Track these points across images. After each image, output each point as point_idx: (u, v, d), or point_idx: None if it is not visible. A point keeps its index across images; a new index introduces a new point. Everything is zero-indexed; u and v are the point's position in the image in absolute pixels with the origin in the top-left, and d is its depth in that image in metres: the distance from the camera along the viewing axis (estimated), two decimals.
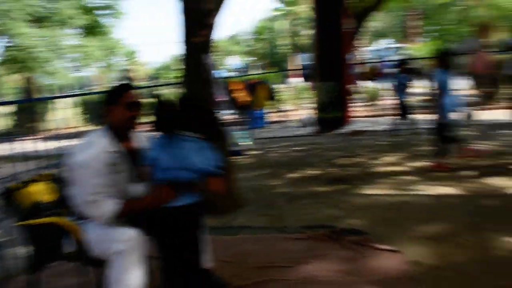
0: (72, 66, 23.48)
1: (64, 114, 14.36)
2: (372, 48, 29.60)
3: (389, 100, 13.93)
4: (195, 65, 4.82)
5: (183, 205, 2.63)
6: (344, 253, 3.60)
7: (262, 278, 3.28)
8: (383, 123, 10.29)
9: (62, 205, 2.90)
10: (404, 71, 8.52)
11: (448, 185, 5.31)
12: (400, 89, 8.58)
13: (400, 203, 4.77)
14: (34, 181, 2.97)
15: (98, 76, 34.59)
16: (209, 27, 4.81)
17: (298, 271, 3.37)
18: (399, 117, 8.79)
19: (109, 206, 2.62)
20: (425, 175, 5.78)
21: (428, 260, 3.41)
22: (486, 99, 12.85)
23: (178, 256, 2.69)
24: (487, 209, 4.45)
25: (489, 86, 12.77)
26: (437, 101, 5.79)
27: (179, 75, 5.18)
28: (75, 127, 11.36)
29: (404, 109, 8.69)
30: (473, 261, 3.37)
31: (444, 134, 5.90)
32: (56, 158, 5.30)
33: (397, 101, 8.75)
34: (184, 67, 4.94)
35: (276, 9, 35.12)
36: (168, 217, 2.64)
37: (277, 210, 4.89)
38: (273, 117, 12.17)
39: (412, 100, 8.92)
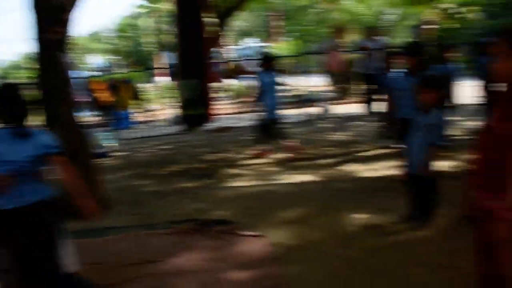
0: None
1: None
2: (237, 47, 30.43)
3: (254, 97, 14.53)
4: (50, 64, 4.52)
5: (16, 207, 2.50)
6: (211, 243, 3.73)
7: (132, 275, 3.26)
8: (249, 119, 10.72)
9: None
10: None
11: (307, 173, 5.76)
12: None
13: (263, 192, 5.06)
14: None
15: None
16: (63, 23, 4.54)
17: (167, 265, 3.41)
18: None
19: None
20: (286, 165, 6.19)
21: (289, 241, 3.70)
22: (341, 95, 14.13)
23: (31, 263, 2.54)
24: (340, 192, 4.93)
25: (344, 83, 14.07)
26: (260, 100, 6.29)
27: (32, 74, 4.83)
28: None
29: None
30: (328, 238, 3.74)
31: (267, 130, 6.44)
32: None
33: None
34: (38, 66, 4.60)
35: (140, 6, 34.17)
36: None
37: (145, 208, 4.85)
38: (140, 117, 11.88)
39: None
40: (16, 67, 49.22)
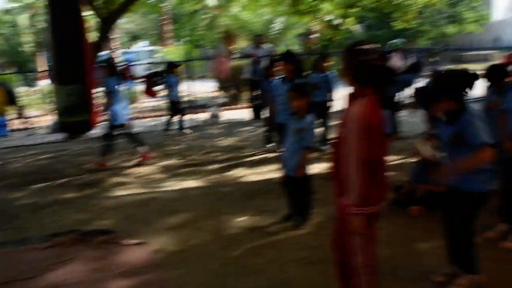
0: None
1: None
2: (127, 50, 29.53)
3: (145, 103, 14.28)
4: None
5: None
6: (92, 254, 3.67)
7: None
8: (139, 125, 10.51)
9: None
10: (172, 72, 8.97)
11: (193, 179, 5.85)
12: (172, 90, 8.99)
13: (147, 200, 5.05)
14: None
15: None
16: None
17: (44, 280, 3.29)
18: (170, 117, 9.20)
19: None
20: (173, 172, 6.21)
21: (171, 247, 3.77)
22: (231, 101, 14.44)
23: None
24: (224, 196, 5.11)
25: (232, 89, 14.40)
26: (108, 106, 6.35)
27: None
28: None
29: (176, 109, 9.14)
30: (210, 241, 3.88)
31: (110, 137, 6.49)
32: None
33: (170, 101, 9.14)
34: None
35: (13, 1, 31.17)
36: None
37: (19, 222, 4.57)
38: (17, 124, 11.00)
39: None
40: None
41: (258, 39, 10.11)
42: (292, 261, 3.42)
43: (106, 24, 9.87)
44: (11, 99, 9.31)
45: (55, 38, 5.59)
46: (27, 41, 27.40)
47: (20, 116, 11.13)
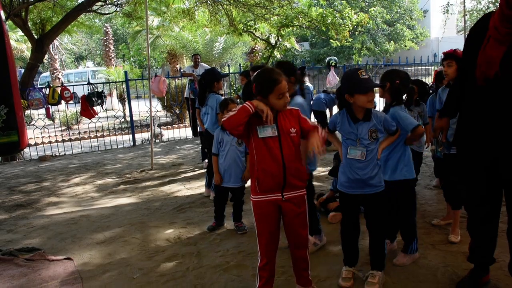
0: None
1: None
2: (70, 71, 29.14)
3: (87, 124, 14.19)
4: None
5: None
6: (17, 271, 3.76)
7: None
8: (79, 146, 10.52)
9: None
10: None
11: (128, 196, 6.02)
12: None
13: (79, 217, 5.17)
14: None
15: None
16: None
17: None
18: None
19: None
20: (108, 190, 6.35)
21: (96, 260, 3.93)
22: (176, 119, 14.64)
23: None
24: (155, 211, 5.30)
25: (175, 108, 14.61)
26: None
27: None
28: None
29: None
30: (135, 253, 4.06)
31: None
32: None
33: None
34: None
35: None
36: None
37: None
38: None
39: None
40: None
41: (195, 58, 10.41)
42: (210, 268, 3.65)
43: (41, 45, 9.90)
44: None
45: None
46: None
47: None
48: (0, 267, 3.85)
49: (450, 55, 3.88)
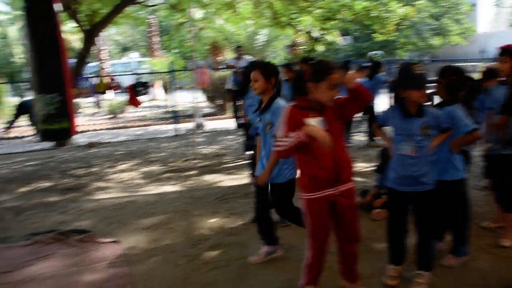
0: None
1: None
2: (116, 61, 29.89)
3: (132, 113, 14.60)
4: None
5: None
6: (68, 251, 3.94)
7: None
8: (125, 134, 10.82)
9: None
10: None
11: (172, 184, 6.15)
12: None
13: (126, 202, 5.34)
14: None
15: None
16: None
17: (20, 274, 3.55)
18: None
19: None
20: (153, 178, 6.50)
21: (142, 244, 4.05)
22: (217, 111, 14.78)
23: None
24: (199, 199, 5.39)
25: (219, 99, 14.74)
26: None
27: None
28: None
29: None
30: (180, 240, 4.15)
31: None
32: None
33: None
34: None
35: (2, 13, 31.54)
36: None
37: (3, 223, 4.84)
38: (6, 132, 11.33)
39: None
40: None
41: (238, 50, 10.46)
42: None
43: (90, 36, 10.23)
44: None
45: (34, 50, 5.89)
46: (17, 52, 27.67)
47: (9, 125, 11.42)
48: (55, 246, 4.04)
49: (506, 51, 3.73)
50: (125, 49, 45.48)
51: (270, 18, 13.21)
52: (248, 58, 10.93)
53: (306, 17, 12.89)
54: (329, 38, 16.59)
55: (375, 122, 3.27)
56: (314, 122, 2.62)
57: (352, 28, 23.65)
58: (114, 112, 14.48)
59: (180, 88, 11.76)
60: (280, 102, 3.34)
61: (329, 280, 3.15)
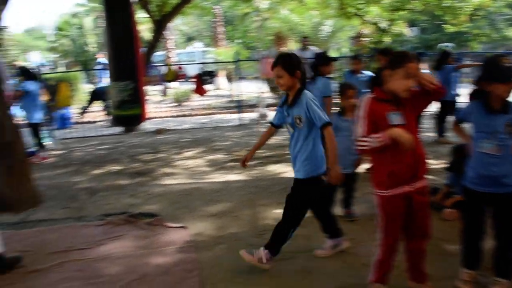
0: None
1: None
2: (181, 50, 30.58)
3: (197, 102, 14.90)
4: None
5: None
6: (138, 233, 4.09)
7: (59, 261, 3.56)
8: (189, 122, 11.09)
9: None
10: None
11: (236, 173, 6.21)
12: None
13: (192, 189, 5.46)
14: None
15: None
16: None
17: (95, 251, 3.75)
18: None
19: None
20: (218, 166, 6.61)
21: (208, 231, 4.13)
22: (278, 101, 14.75)
23: None
24: (262, 189, 5.40)
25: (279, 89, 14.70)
26: (25, 106, 7.12)
27: None
28: None
29: None
30: (245, 229, 4.19)
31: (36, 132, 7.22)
32: None
33: None
34: None
35: (79, 4, 33.30)
36: None
37: (78, 203, 5.13)
38: (80, 117, 11.97)
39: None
40: None
41: (304, 41, 10.34)
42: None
43: (160, 26, 10.52)
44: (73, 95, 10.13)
45: (111, 39, 6.15)
46: (91, 42, 29.12)
47: (83, 110, 12.06)
48: (126, 228, 4.22)
49: None
50: (189, 39, 46.48)
51: (336, 8, 12.94)
52: (314, 49, 10.80)
53: (374, 7, 12.51)
54: (396, 29, 16.08)
55: (454, 118, 3.10)
56: (393, 117, 2.55)
57: (420, 18, 22.69)
58: (179, 100, 14.85)
59: (244, 78, 11.81)
60: (308, 94, 3.18)
61: (397, 280, 3.05)
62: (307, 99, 3.12)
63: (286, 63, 3.14)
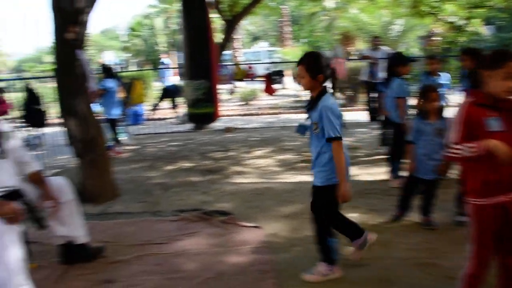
0: None
1: None
2: (247, 50, 30.90)
3: (263, 101, 14.95)
4: (69, 60, 4.83)
5: None
6: (212, 230, 4.10)
7: (139, 253, 3.64)
8: (257, 121, 11.11)
9: None
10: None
11: (307, 174, 6.08)
12: None
13: (264, 189, 5.41)
14: None
15: None
16: (82, 24, 4.84)
17: (171, 246, 3.79)
18: None
19: None
20: (288, 166, 6.53)
21: (283, 232, 4.06)
22: (348, 101, 14.46)
23: None
24: None
25: (349, 90, 14.40)
26: (104, 103, 7.36)
27: (49, 68, 5.17)
28: None
29: None
30: None
31: (113, 128, 7.52)
32: None
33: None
34: (56, 61, 4.93)
35: (151, 6, 34.71)
36: None
37: (152, 198, 5.25)
38: (152, 114, 12.39)
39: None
40: (33, 59, 50.08)
41: (375, 41, 10.02)
42: (398, 260, 3.48)
43: (230, 26, 10.62)
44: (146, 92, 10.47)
45: (187, 39, 6.26)
46: (161, 42, 30.12)
47: (154, 107, 12.47)
48: (200, 225, 4.24)
49: None
50: (255, 39, 46.89)
51: (408, 7, 12.46)
52: (385, 49, 10.45)
53: (449, 5, 11.92)
54: (472, 28, 15.23)
55: None
56: (492, 123, 2.35)
57: (498, 16, 21.40)
58: (246, 99, 14.96)
59: None
60: (328, 99, 2.98)
61: None
62: (323, 106, 2.95)
63: (310, 64, 2.98)
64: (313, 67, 2.95)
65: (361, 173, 6.06)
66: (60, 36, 4.74)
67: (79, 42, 4.88)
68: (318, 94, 3.00)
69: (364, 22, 19.69)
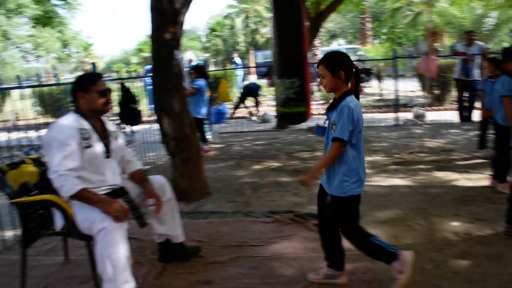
0: (23, 56, 22.78)
1: (19, 105, 14.02)
2: (326, 48, 30.44)
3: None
4: (166, 59, 4.92)
5: None
6: (308, 234, 3.95)
7: (234, 255, 3.59)
8: None
9: (45, 185, 3.04)
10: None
11: (401, 177, 5.79)
12: None
13: None
14: (23, 163, 3.12)
15: (52, 68, 33.46)
16: (179, 24, 4.91)
17: (267, 249, 3.70)
18: None
19: (71, 187, 2.75)
20: (380, 168, 6.25)
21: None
22: (434, 100, 13.72)
23: None
24: (433, 197, 4.92)
25: (437, 88, 13.65)
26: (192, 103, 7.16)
27: (135, 69, 5.30)
28: (32, 118, 11.12)
29: None
30: (422, 241, 3.81)
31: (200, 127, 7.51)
32: (18, 148, 5.42)
33: None
34: (153, 60, 5.06)
35: (230, 6, 35.33)
36: None
37: (243, 197, 5.22)
38: (234, 113, 12.54)
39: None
40: (119, 61, 53.07)
41: (469, 36, 9.35)
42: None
43: (315, 24, 10.43)
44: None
45: (278, 36, 6.17)
46: (241, 41, 30.52)
47: (236, 106, 12.61)
48: (294, 227, 4.13)
49: None
50: (332, 36, 46.18)
51: None
52: (481, 44, 9.74)
53: None
54: None
55: None
56: None
57: None
58: (326, 98, 14.69)
59: (402, 75, 11.18)
60: (351, 100, 2.79)
61: None
62: (343, 106, 2.77)
63: (330, 62, 2.83)
64: (334, 64, 2.82)
65: (459, 178, 5.65)
66: (158, 36, 4.85)
67: (176, 42, 4.96)
68: (341, 95, 2.84)
69: (453, 16, 18.57)
